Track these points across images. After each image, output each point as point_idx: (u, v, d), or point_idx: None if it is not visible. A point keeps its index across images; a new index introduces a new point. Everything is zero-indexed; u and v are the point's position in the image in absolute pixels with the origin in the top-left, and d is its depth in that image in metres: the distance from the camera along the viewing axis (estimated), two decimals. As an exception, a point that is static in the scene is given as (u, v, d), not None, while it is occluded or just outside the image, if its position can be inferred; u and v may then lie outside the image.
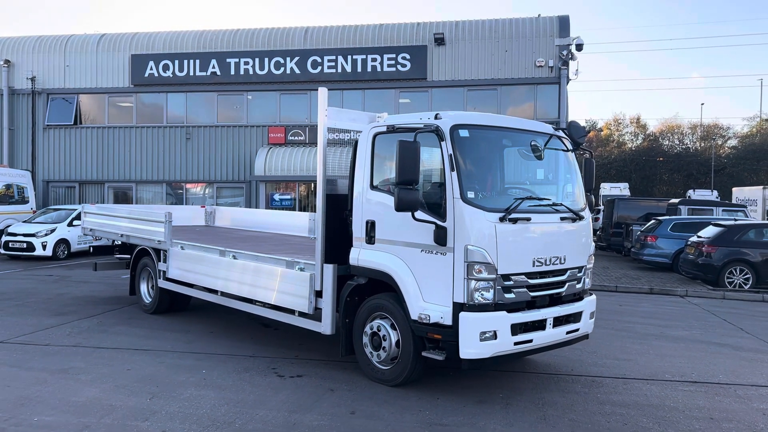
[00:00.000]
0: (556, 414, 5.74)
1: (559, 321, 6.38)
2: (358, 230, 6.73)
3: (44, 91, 24.43)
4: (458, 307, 5.77)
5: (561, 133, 6.87)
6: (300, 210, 21.64)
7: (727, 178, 49.91)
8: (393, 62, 21.97)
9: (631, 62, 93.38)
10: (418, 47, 21.95)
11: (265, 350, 7.87)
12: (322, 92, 7.03)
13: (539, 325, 6.18)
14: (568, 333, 6.50)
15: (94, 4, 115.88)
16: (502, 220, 5.87)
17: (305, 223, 11.20)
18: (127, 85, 23.89)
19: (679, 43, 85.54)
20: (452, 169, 5.84)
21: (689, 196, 31.71)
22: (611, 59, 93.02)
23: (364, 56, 22.16)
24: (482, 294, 5.78)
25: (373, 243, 6.55)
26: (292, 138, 22.66)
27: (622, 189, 36.53)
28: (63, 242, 18.26)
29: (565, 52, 20.86)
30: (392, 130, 6.46)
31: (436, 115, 6.10)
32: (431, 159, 6.29)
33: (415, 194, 5.77)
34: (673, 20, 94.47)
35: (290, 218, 12.20)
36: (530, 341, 6.09)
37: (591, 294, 6.97)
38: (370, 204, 6.61)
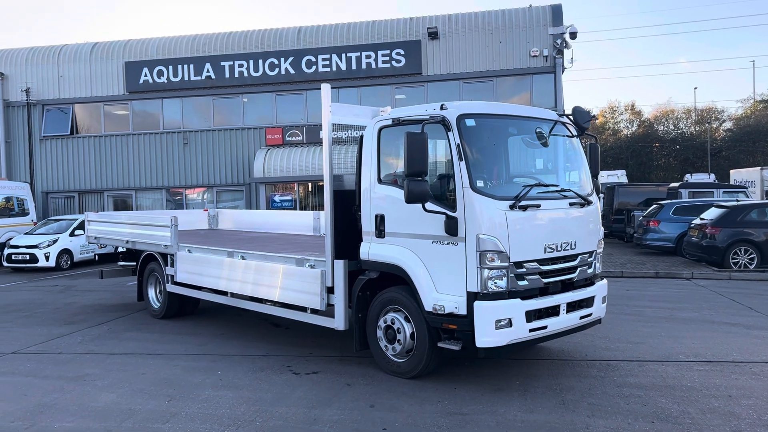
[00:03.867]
0: (575, 398, 5.75)
1: (572, 306, 6.40)
2: (368, 224, 6.73)
3: (39, 102, 24.37)
4: (472, 297, 5.78)
5: (565, 119, 6.88)
6: (301, 210, 21.62)
7: (724, 161, 50.05)
8: (387, 58, 21.96)
9: (621, 49, 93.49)
10: (411, 42, 21.94)
11: (278, 349, 7.87)
12: (325, 88, 7.03)
13: (553, 311, 6.20)
14: (581, 318, 6.51)
15: (86, 13, 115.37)
16: (512, 207, 5.88)
17: (310, 222, 11.23)
18: (122, 93, 23.85)
19: (668, 28, 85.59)
20: (460, 159, 5.84)
21: (686, 180, 31.78)
22: (601, 47, 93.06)
23: (358, 54, 22.15)
24: (496, 282, 5.78)
25: (383, 236, 6.56)
26: (290, 138, 22.65)
27: (619, 176, 36.61)
28: (66, 252, 18.23)
29: (559, 41, 20.87)
30: (398, 122, 6.46)
31: (442, 105, 6.10)
32: (438, 150, 6.30)
33: (425, 185, 5.77)
34: (659, 5, 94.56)
35: (294, 217, 12.18)
36: (545, 327, 6.10)
37: (602, 279, 6.98)
38: (379, 198, 6.61)
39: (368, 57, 22.11)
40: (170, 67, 23.23)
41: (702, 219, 14.70)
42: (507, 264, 5.80)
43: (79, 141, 24.27)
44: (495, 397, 5.85)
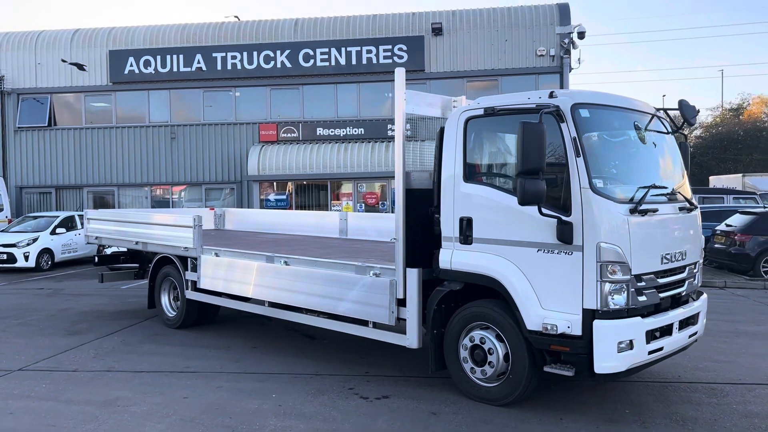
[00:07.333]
0: (707, 432, 5.03)
1: (682, 324, 5.70)
2: (449, 229, 5.90)
3: (14, 91, 22.78)
4: (590, 315, 5.01)
5: (669, 114, 6.19)
6: (297, 209, 20.58)
7: (696, 168, 50.51)
8: (389, 54, 21.11)
9: (597, 55, 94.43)
10: (414, 38, 21.14)
11: (328, 367, 6.98)
12: (400, 74, 6.16)
13: (668, 329, 5.49)
14: (690, 337, 5.83)
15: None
16: (632, 212, 5.14)
17: (335, 223, 10.38)
18: (105, 83, 22.43)
19: (639, 36, 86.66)
20: (577, 155, 5.07)
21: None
22: (596, 51, 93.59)
23: (358, 48, 21.24)
24: (615, 298, 5.03)
25: (470, 243, 5.74)
26: (285, 135, 21.58)
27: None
28: (46, 252, 16.92)
29: (566, 41, 20.34)
30: (492, 112, 5.67)
31: (551, 93, 5.34)
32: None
33: (542, 185, 4.96)
34: (629, 13, 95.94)
35: (316, 218, 11.28)
36: (661, 349, 5.38)
37: (703, 293, 6.32)
38: (465, 198, 5.79)
39: (369, 52, 21.22)
40: (158, 57, 21.94)
41: (728, 225, 14.25)
42: (629, 277, 5.06)
43: (58, 133, 22.76)
44: (612, 429, 5.09)
